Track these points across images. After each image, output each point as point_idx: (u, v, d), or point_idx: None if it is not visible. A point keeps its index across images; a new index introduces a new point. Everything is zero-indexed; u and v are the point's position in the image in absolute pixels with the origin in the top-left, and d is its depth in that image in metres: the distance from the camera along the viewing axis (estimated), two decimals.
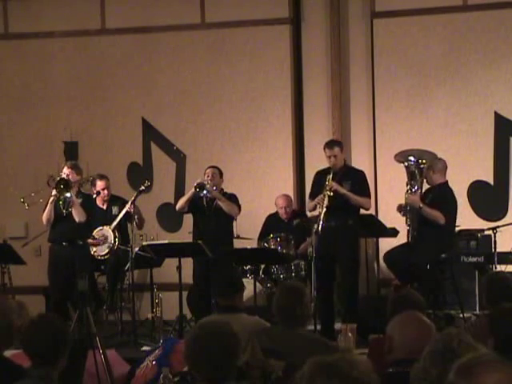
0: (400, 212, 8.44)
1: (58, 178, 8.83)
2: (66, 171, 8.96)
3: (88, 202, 9.09)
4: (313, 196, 8.76)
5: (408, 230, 8.43)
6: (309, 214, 9.31)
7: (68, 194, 8.74)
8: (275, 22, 10.45)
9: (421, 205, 8.26)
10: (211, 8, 10.56)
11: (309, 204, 8.92)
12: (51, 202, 8.88)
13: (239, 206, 9.27)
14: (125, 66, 10.78)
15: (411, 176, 8.34)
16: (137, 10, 10.72)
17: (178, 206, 9.39)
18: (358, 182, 8.63)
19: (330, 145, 8.68)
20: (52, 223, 9.05)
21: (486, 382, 2.53)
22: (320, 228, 8.19)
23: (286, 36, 10.43)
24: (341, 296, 8.81)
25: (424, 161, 8.35)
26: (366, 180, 8.80)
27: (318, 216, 8.34)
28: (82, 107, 10.85)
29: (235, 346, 3.58)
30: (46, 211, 8.93)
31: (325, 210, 8.28)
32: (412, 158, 8.34)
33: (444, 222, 8.29)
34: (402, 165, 8.46)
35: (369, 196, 8.70)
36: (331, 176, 8.45)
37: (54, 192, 8.82)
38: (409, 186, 8.37)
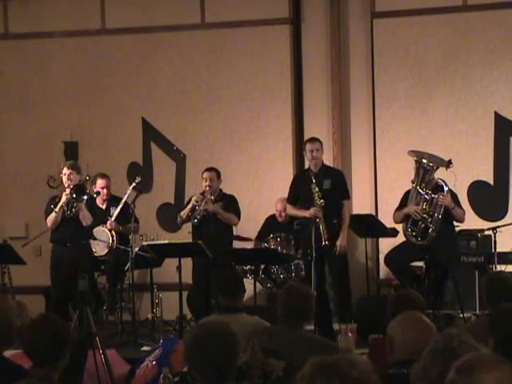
0: (422, 218, 8.36)
1: (72, 185, 8.71)
2: (65, 171, 8.89)
3: (90, 203, 9.04)
4: (292, 200, 8.77)
5: (412, 232, 8.41)
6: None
7: (85, 197, 8.68)
8: (275, 22, 10.45)
9: (453, 205, 8.31)
10: (211, 8, 10.56)
11: (291, 210, 8.84)
12: (60, 207, 8.80)
13: (239, 213, 9.22)
14: (125, 66, 10.78)
15: (424, 174, 8.31)
16: (137, 10, 10.72)
17: (179, 221, 9.28)
18: (337, 181, 8.65)
19: (312, 139, 8.74)
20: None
21: (486, 381, 2.54)
22: (325, 240, 8.26)
23: (286, 36, 10.42)
24: (335, 297, 8.84)
25: (434, 166, 8.35)
26: (345, 180, 8.88)
27: (318, 227, 8.33)
28: (82, 107, 10.84)
29: (234, 346, 3.59)
30: (55, 215, 8.79)
31: (323, 219, 8.34)
32: (425, 161, 8.32)
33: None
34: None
35: (348, 197, 8.80)
36: (314, 180, 8.43)
37: (63, 198, 8.71)
38: (417, 184, 8.33)
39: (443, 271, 8.47)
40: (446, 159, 8.50)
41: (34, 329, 3.96)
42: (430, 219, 8.27)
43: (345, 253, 8.50)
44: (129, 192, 9.32)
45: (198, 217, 9.05)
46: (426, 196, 8.31)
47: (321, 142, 8.75)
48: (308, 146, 8.67)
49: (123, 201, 9.37)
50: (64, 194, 8.76)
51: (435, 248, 8.30)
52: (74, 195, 8.64)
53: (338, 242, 8.42)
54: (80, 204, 8.70)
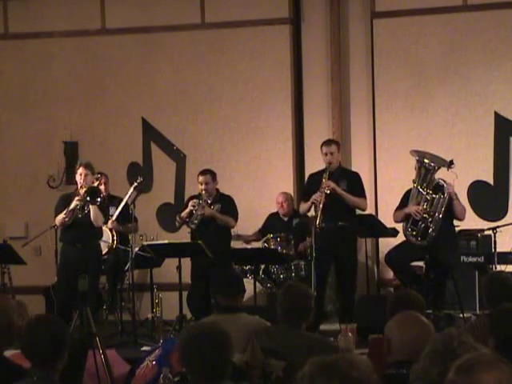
0: (422, 218, 8.35)
1: (86, 188, 8.58)
2: (82, 171, 8.68)
3: (102, 204, 8.94)
4: (306, 199, 8.83)
5: (412, 231, 8.41)
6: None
7: (99, 199, 8.61)
8: (275, 22, 10.45)
9: (456, 196, 8.36)
10: (211, 8, 10.56)
11: (303, 205, 8.93)
12: (72, 208, 8.67)
13: (236, 215, 9.22)
14: (125, 66, 10.78)
15: (425, 174, 8.32)
16: (137, 10, 10.72)
17: (178, 222, 9.27)
18: (353, 182, 8.78)
19: (327, 142, 8.91)
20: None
21: (486, 381, 2.54)
22: (319, 224, 8.28)
23: (285, 36, 10.42)
24: (340, 295, 8.86)
25: (435, 166, 8.37)
26: (362, 181, 8.95)
27: (316, 213, 8.42)
28: (82, 107, 10.84)
29: (227, 343, 3.63)
30: (63, 216, 8.64)
31: (321, 206, 8.37)
32: (427, 161, 8.33)
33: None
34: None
35: (365, 197, 8.85)
36: (327, 175, 8.52)
37: (76, 199, 8.59)
38: (418, 183, 8.34)
39: (443, 271, 8.48)
40: (447, 159, 8.52)
41: (34, 330, 3.95)
42: (430, 219, 8.28)
43: (330, 187, 8.50)
44: (130, 192, 9.30)
45: (196, 221, 9.07)
46: (426, 196, 8.32)
47: (337, 144, 8.84)
48: (323, 149, 8.78)
49: (124, 201, 9.34)
50: (77, 198, 8.61)
51: (435, 248, 8.31)
52: (88, 198, 8.55)
53: (332, 185, 8.48)
54: (93, 206, 8.61)
